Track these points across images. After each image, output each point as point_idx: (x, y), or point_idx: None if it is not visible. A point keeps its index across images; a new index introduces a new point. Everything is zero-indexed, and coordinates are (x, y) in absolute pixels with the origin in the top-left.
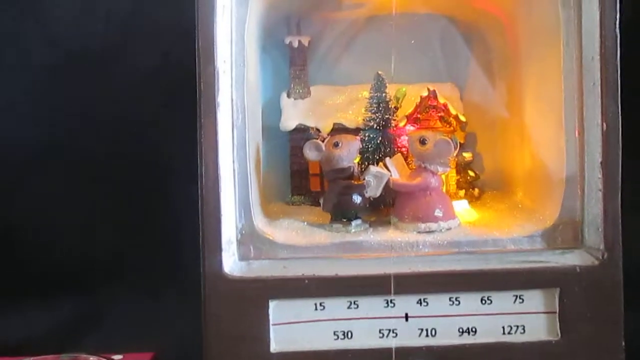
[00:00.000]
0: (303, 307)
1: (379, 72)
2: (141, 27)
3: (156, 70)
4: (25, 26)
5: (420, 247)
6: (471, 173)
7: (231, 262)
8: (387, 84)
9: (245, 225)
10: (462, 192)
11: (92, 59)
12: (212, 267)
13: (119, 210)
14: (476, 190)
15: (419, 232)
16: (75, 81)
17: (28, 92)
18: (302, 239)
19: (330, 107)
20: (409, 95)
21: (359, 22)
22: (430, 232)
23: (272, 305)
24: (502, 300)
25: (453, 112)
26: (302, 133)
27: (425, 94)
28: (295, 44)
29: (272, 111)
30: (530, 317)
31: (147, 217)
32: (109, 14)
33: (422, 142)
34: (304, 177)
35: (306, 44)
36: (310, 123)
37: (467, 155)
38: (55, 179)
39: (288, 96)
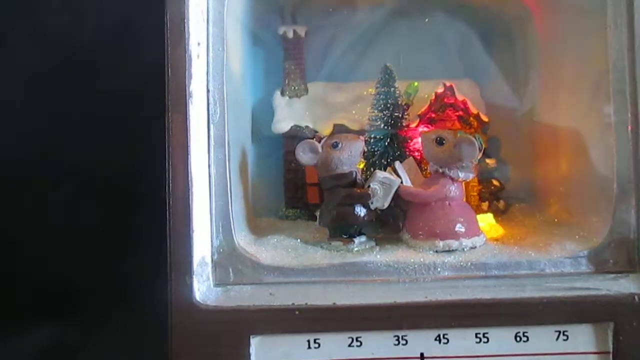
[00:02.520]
0: (293, 345)
1: (387, 65)
2: (133, 34)
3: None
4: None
5: (439, 270)
6: (495, 182)
7: (204, 288)
8: (397, 79)
9: (223, 243)
10: (485, 205)
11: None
12: (181, 294)
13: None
14: (501, 202)
15: (436, 252)
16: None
17: None
18: (293, 260)
19: (331, 106)
20: (422, 91)
21: (364, 10)
22: (450, 251)
23: (255, 342)
24: (542, 337)
25: (474, 111)
26: (298, 136)
27: (440, 90)
28: (290, 35)
29: (263, 111)
30: (578, 359)
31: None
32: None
33: (439, 142)
34: (300, 187)
35: (302, 34)
36: (307, 124)
37: (491, 162)
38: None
39: (282, 94)
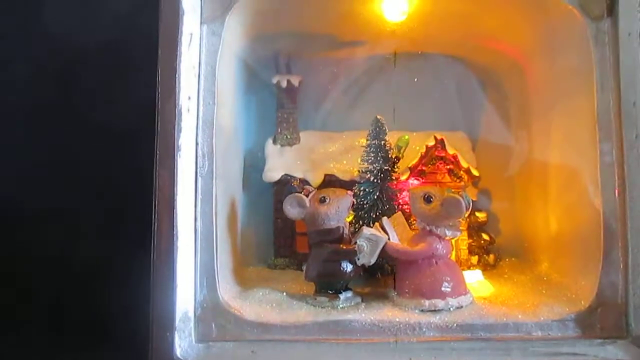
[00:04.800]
0: None
1: (378, 117)
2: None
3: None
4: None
5: (424, 330)
6: (485, 236)
7: (186, 345)
8: (388, 131)
9: (206, 298)
10: (474, 259)
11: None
12: (161, 350)
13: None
14: (491, 256)
15: (422, 311)
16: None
17: None
18: (277, 316)
19: (322, 155)
20: (412, 144)
21: (358, 62)
22: (436, 311)
23: None
24: None
25: (464, 164)
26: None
27: (431, 143)
28: (284, 84)
29: (255, 159)
30: None
31: None
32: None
33: (427, 199)
34: (290, 236)
35: (296, 84)
36: (298, 174)
37: (481, 216)
38: None
39: (274, 142)
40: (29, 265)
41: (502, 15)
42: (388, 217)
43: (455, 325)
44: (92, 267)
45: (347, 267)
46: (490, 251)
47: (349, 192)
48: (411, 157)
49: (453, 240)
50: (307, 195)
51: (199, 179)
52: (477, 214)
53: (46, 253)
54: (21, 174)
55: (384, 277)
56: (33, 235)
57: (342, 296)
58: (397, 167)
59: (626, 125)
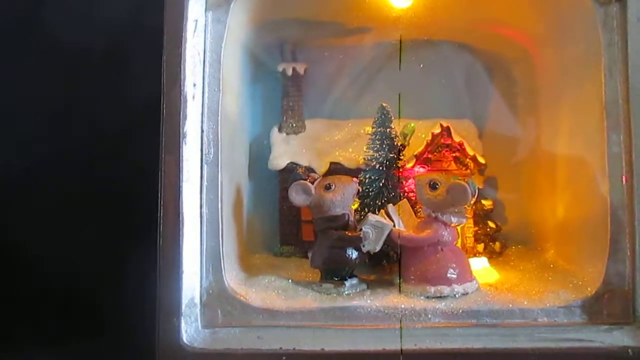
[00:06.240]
0: None
1: (384, 105)
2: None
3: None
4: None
5: (430, 316)
6: (491, 224)
7: (192, 330)
8: (393, 118)
9: (212, 284)
10: (480, 247)
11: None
12: (168, 336)
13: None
14: (497, 244)
15: (427, 298)
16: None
17: None
18: (282, 302)
19: (328, 143)
20: (418, 131)
21: (364, 49)
22: (441, 297)
23: None
24: None
25: (470, 152)
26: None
27: (437, 130)
28: (289, 72)
29: (261, 147)
30: None
31: None
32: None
33: (433, 186)
34: (295, 224)
35: (302, 72)
36: (304, 161)
37: (487, 203)
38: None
39: (279, 130)
40: (35, 253)
41: (509, 0)
42: (394, 205)
43: (460, 311)
44: (98, 253)
45: (353, 253)
46: (496, 239)
47: (354, 179)
48: (417, 145)
49: (459, 228)
50: (312, 183)
51: (205, 166)
52: (483, 201)
53: (52, 240)
54: (29, 162)
55: (389, 264)
56: (40, 224)
57: (347, 283)
58: (403, 155)
59: (634, 111)
